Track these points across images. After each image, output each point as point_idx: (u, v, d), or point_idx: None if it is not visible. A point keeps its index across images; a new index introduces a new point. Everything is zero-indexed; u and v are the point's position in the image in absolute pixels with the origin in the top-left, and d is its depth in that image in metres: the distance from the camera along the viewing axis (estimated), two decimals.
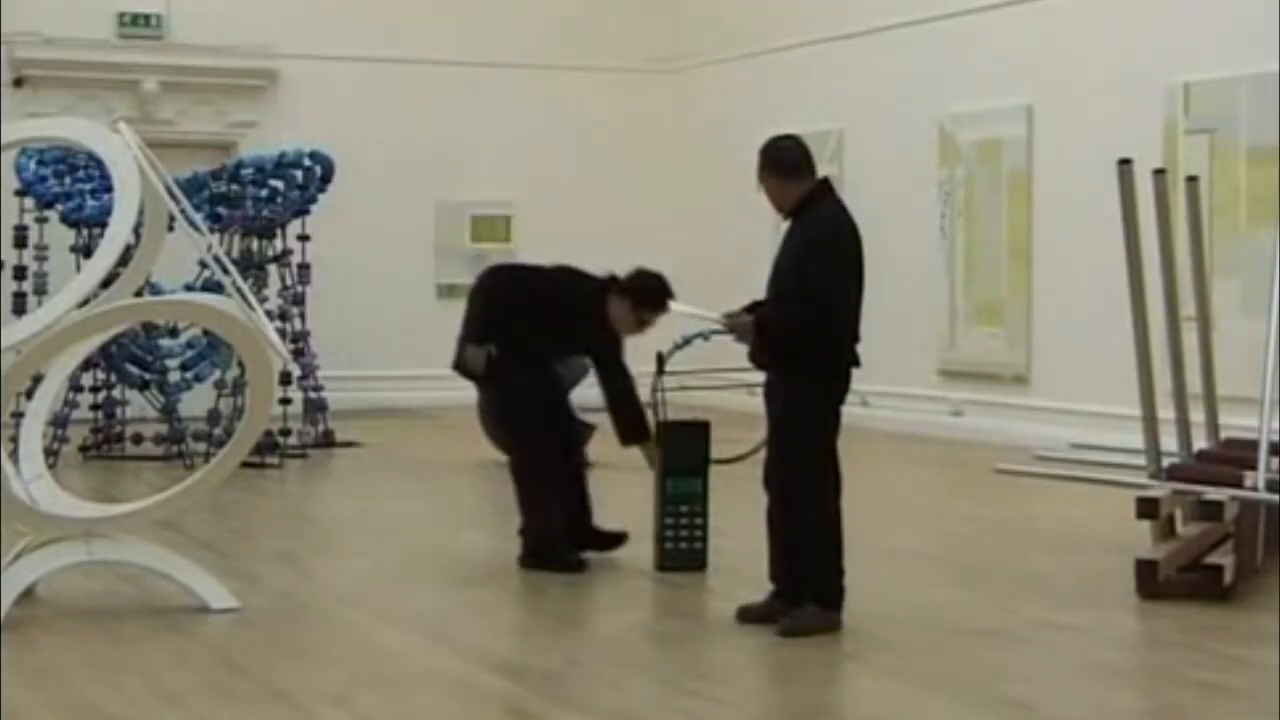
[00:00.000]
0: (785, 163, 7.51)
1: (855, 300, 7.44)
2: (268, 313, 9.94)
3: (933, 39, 15.59)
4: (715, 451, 13.18)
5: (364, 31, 18.01)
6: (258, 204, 13.93)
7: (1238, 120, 12.80)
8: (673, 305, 8.21)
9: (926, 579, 8.87)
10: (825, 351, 7.37)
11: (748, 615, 7.55)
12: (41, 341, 7.52)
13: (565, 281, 9.11)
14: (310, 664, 7.06)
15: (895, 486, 12.71)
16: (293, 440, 13.97)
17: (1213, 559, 8.31)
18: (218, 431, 13.06)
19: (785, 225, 7.56)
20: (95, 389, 14.11)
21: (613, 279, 8.92)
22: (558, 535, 8.91)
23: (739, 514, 9.05)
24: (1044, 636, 7.54)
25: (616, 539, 9.16)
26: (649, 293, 8.79)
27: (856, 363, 7.45)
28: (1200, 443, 9.52)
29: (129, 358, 13.71)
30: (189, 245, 8.33)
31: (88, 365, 12.81)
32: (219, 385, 13.44)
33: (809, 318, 7.31)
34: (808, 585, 7.43)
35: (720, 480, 12.53)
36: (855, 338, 7.45)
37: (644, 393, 13.31)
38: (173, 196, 7.94)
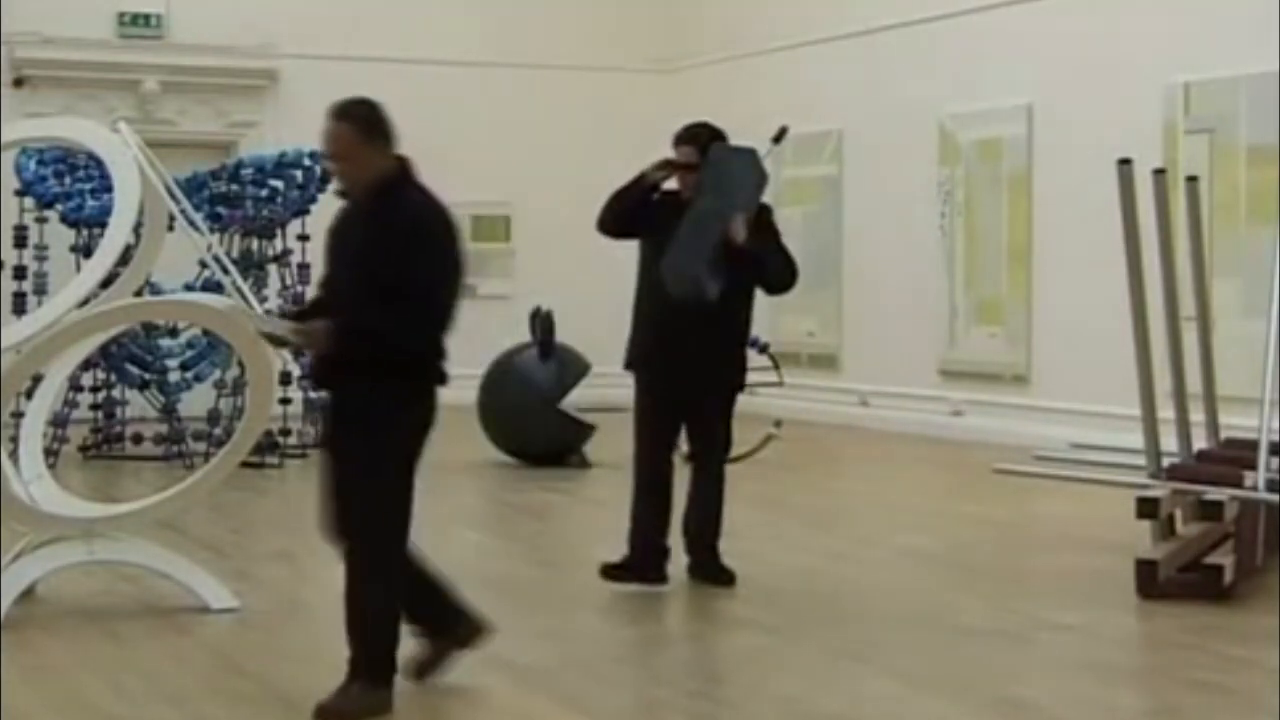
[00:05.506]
0: (382, 126, 6.26)
1: (455, 305, 6.16)
2: (268, 313, 9.92)
3: (933, 39, 15.59)
4: None
5: (364, 31, 18.00)
6: (258, 204, 13.92)
7: (1238, 120, 12.80)
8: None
9: (926, 579, 8.86)
10: (417, 366, 6.14)
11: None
12: (41, 341, 7.52)
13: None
14: (310, 664, 7.04)
15: (895, 486, 12.70)
16: (293, 440, 13.96)
17: (1213, 559, 8.30)
18: (218, 431, 13.06)
19: (342, 206, 6.39)
20: (95, 389, 14.11)
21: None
22: (641, 536, 8.35)
23: (740, 514, 9.06)
24: (1044, 636, 7.53)
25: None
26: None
27: (445, 380, 6.22)
28: (1200, 443, 9.51)
29: (129, 358, 13.71)
30: (189, 245, 8.32)
31: (88, 365, 12.80)
32: (219, 385, 13.44)
33: (412, 324, 6.06)
34: (359, 658, 6.15)
35: None
36: (444, 351, 6.21)
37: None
38: (173, 196, 7.94)
